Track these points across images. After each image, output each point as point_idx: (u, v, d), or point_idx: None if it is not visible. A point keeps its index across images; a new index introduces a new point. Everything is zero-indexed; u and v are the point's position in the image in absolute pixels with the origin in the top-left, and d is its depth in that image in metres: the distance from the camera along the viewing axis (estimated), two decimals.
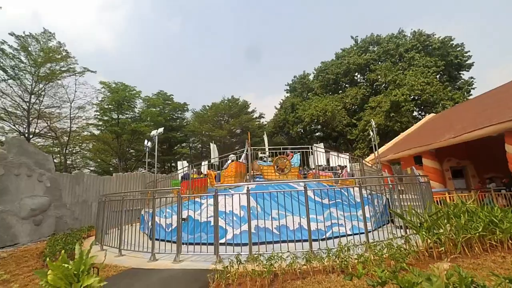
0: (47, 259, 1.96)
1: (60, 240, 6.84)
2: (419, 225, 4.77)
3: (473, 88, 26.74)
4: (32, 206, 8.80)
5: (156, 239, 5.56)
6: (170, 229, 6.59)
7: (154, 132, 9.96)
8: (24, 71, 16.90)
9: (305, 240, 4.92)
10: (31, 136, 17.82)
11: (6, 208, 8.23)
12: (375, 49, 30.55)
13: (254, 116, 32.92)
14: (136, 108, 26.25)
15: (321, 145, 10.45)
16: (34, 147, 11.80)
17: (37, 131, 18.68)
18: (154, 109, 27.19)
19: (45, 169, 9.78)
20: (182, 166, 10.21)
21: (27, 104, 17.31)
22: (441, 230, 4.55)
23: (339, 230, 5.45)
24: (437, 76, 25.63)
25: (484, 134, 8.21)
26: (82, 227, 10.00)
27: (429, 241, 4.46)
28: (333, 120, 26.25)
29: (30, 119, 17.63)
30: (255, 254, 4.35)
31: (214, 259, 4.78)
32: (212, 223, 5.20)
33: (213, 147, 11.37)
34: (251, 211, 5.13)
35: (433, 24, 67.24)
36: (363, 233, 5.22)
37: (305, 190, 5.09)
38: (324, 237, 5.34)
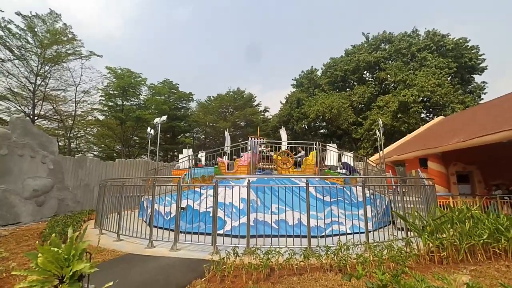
0: (37, 242, 1.90)
1: (60, 222, 6.91)
2: (421, 228, 4.66)
3: (485, 93, 26.09)
4: (34, 187, 8.89)
5: (155, 227, 5.56)
6: (169, 217, 6.59)
7: (157, 120, 9.91)
8: (30, 52, 16.86)
9: (304, 236, 4.85)
10: (36, 118, 17.92)
11: (9, 188, 8.32)
12: (386, 47, 29.80)
13: (259, 110, 32.68)
14: (141, 95, 26.20)
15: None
16: (38, 128, 11.86)
17: (42, 113, 18.78)
18: (159, 97, 27.09)
19: (48, 151, 9.83)
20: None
21: (33, 85, 17.35)
22: (445, 235, 4.44)
23: (339, 228, 5.37)
24: (449, 78, 24.97)
25: (495, 140, 7.96)
26: (83, 210, 10.11)
27: (431, 245, 4.35)
28: (339, 117, 25.90)
29: (36, 100, 17.69)
30: (252, 247, 4.31)
31: (211, 249, 4.76)
32: (211, 214, 5.16)
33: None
34: (250, 204, 5.07)
35: (449, 24, 65.23)
36: (363, 232, 5.14)
37: (306, 186, 5.00)
38: (323, 234, 5.27)
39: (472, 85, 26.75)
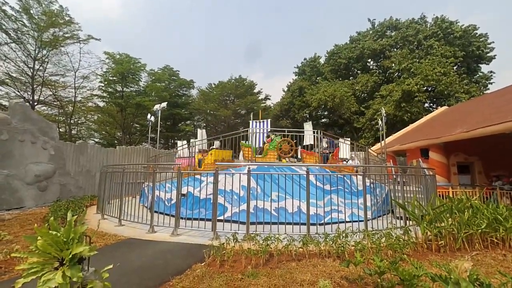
0: (35, 225, 1.90)
1: (62, 207, 7.00)
2: (420, 217, 4.69)
3: (491, 83, 25.57)
4: (36, 172, 8.94)
5: (156, 212, 5.62)
6: (170, 203, 6.66)
7: (157, 106, 9.80)
8: (27, 35, 16.47)
9: (303, 224, 4.90)
10: (35, 104, 17.79)
11: (11, 173, 8.38)
12: (392, 34, 28.91)
13: (260, 98, 32.31)
14: (141, 81, 25.85)
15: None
16: (38, 114, 11.79)
17: (41, 98, 18.62)
18: (159, 84, 26.73)
19: (49, 137, 9.82)
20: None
21: (31, 70, 17.08)
22: (443, 224, 4.47)
23: (338, 216, 5.41)
24: (455, 67, 24.40)
25: (498, 131, 7.86)
26: (85, 195, 10.24)
27: (429, 233, 4.39)
28: (341, 106, 25.60)
29: (35, 86, 17.49)
30: (252, 233, 4.36)
31: (211, 235, 4.83)
32: (212, 200, 5.19)
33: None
34: (251, 192, 5.09)
35: (460, 11, 62.75)
36: (362, 220, 5.19)
37: (307, 175, 4.99)
38: (322, 222, 5.32)
39: (479, 74, 26.18)
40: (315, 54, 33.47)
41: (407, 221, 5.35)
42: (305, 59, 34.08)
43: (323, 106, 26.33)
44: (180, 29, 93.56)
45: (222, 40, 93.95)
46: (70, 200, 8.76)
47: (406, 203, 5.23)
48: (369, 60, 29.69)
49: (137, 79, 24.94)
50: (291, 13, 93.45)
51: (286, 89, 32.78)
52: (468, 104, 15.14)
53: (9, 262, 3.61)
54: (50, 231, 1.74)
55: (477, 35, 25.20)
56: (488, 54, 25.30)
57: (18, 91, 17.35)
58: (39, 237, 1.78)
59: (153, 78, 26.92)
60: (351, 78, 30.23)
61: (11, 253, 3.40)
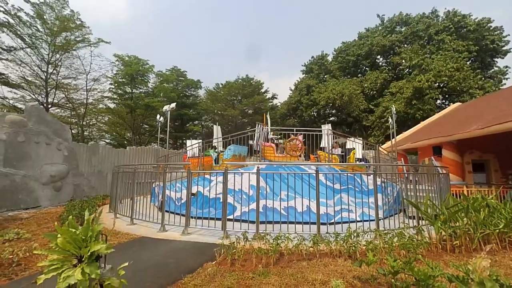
0: (55, 223, 1.97)
1: (76, 206, 7.21)
2: (434, 216, 4.57)
3: (507, 78, 24.64)
4: (51, 173, 9.24)
5: (166, 211, 5.70)
6: (180, 202, 6.75)
7: (166, 107, 9.94)
8: (41, 40, 17.03)
9: (313, 223, 4.87)
10: (49, 106, 18.38)
11: (28, 173, 8.68)
12: (402, 29, 28.26)
13: (267, 97, 32.27)
14: (149, 83, 26.28)
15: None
16: (52, 116, 12.16)
17: (55, 101, 19.22)
18: (167, 85, 27.09)
19: (62, 138, 10.12)
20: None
21: (45, 74, 17.66)
22: (458, 224, 4.35)
23: (348, 215, 5.35)
24: (468, 62, 23.61)
25: None
26: (97, 195, 10.50)
27: (443, 233, 4.28)
28: (350, 104, 25.24)
29: (48, 89, 18.06)
30: (262, 232, 4.37)
31: (221, 234, 4.86)
32: (221, 200, 5.23)
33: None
34: (260, 191, 5.09)
35: (473, 3, 60.57)
36: (372, 220, 5.10)
37: (316, 174, 4.95)
38: (332, 221, 5.27)
39: (493, 69, 25.27)
40: (322, 52, 33.13)
41: (420, 221, 5.23)
42: (312, 57, 33.78)
43: (331, 104, 26.04)
44: (180, 29, 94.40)
45: (222, 40, 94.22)
46: (84, 199, 9.01)
47: (418, 203, 5.12)
48: (378, 56, 29.17)
49: (145, 80, 25.37)
50: (290, 14, 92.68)
51: (293, 87, 32.61)
52: (482, 100, 14.64)
53: (28, 259, 3.75)
54: (70, 229, 1.80)
55: (491, 28, 24.30)
56: (503, 48, 24.38)
57: (33, 94, 17.97)
58: (59, 235, 1.84)
59: (161, 79, 27.31)
60: (359, 75, 29.77)
61: (32, 251, 3.52)
